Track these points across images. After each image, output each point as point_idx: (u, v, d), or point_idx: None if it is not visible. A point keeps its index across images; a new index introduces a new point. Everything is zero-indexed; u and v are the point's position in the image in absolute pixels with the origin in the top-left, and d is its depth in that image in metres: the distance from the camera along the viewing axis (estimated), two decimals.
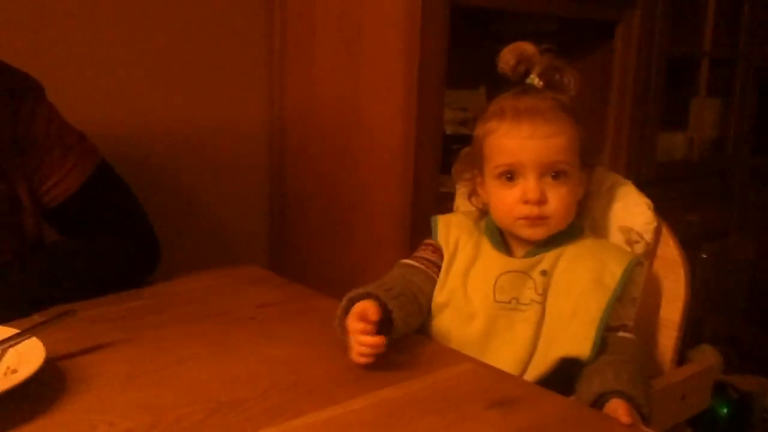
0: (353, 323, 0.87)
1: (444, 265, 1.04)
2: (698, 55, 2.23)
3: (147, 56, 1.60)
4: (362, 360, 0.86)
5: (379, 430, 0.73)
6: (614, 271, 0.97)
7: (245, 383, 0.83)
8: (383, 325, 0.89)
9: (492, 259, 1.02)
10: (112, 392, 0.80)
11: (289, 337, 0.99)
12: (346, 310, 0.91)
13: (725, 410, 1.92)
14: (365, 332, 0.85)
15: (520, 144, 0.97)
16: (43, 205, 1.12)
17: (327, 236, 1.71)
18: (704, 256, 2.22)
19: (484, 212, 1.07)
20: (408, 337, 0.99)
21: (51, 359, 0.83)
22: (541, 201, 0.96)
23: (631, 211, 1.08)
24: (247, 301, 1.13)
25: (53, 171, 1.10)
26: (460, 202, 1.19)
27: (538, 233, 0.99)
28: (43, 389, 0.78)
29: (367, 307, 0.88)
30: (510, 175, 0.98)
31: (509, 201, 0.99)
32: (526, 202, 0.97)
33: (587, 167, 1.03)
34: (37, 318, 0.95)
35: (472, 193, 1.09)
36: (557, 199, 0.97)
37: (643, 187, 1.12)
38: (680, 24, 2.10)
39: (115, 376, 0.83)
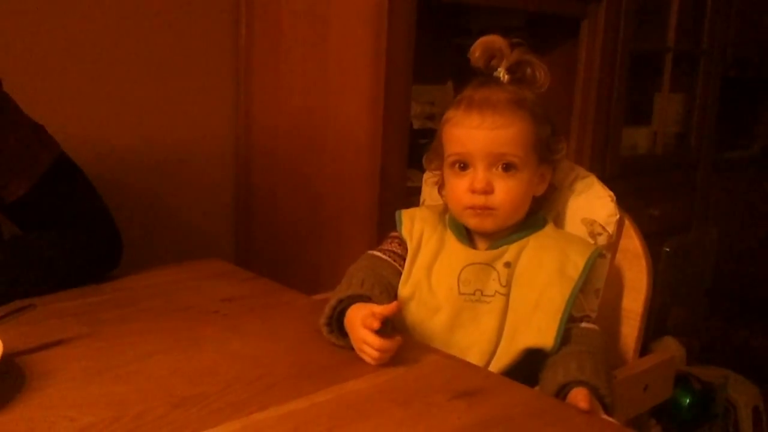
0: (363, 332, 0.86)
1: (408, 258, 1.04)
2: (662, 51, 2.26)
3: (111, 46, 1.58)
4: (378, 362, 0.87)
5: (344, 423, 0.73)
6: (577, 263, 0.98)
7: (208, 377, 0.82)
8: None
9: (456, 252, 1.02)
10: (73, 388, 0.79)
11: (253, 331, 0.98)
12: (336, 312, 0.92)
13: (687, 401, 1.95)
14: (378, 339, 0.85)
15: (468, 134, 0.98)
16: (1, 199, 1.09)
17: (293, 231, 1.71)
18: (667, 249, 2.26)
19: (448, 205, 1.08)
20: None
21: (9, 354, 0.81)
22: (487, 191, 0.97)
23: (594, 203, 1.09)
24: (212, 296, 1.12)
25: (10, 164, 1.08)
26: (427, 193, 1.19)
27: (484, 224, 1.00)
28: (0, 385, 0.77)
29: (375, 313, 0.86)
30: (462, 165, 0.99)
31: (459, 190, 1.00)
32: (473, 192, 0.98)
33: (547, 163, 1.03)
34: None
35: (440, 184, 1.09)
36: (504, 191, 0.97)
37: (608, 181, 1.13)
38: (644, 20, 2.12)
39: (76, 372, 0.82)
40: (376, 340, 0.85)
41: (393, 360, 0.88)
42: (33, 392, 0.77)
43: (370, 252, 1.07)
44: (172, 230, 1.73)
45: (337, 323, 0.93)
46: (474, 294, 0.99)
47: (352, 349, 0.90)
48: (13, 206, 1.11)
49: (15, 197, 1.09)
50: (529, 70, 1.01)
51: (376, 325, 0.85)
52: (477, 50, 1.01)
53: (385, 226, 1.30)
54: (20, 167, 1.09)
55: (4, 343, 0.80)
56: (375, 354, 0.86)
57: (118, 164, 1.61)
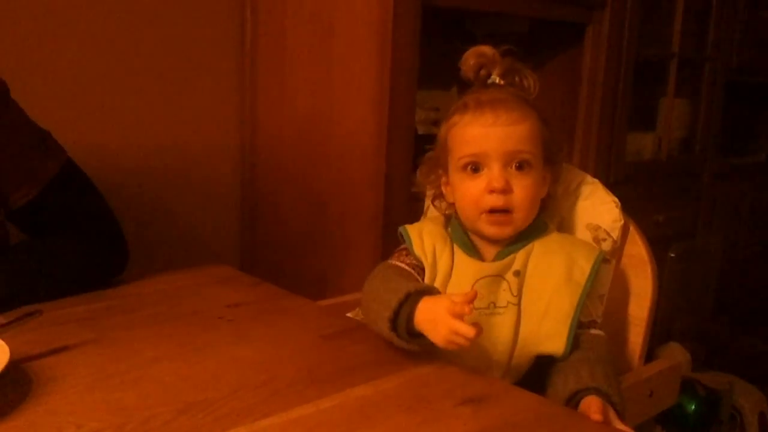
0: (456, 323, 0.81)
1: (427, 274, 1.02)
2: (667, 57, 2.26)
3: (117, 52, 1.58)
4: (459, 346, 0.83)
5: (349, 429, 0.73)
6: (583, 267, 0.97)
7: (214, 383, 0.82)
8: None
9: (466, 266, 1.01)
10: (79, 393, 0.79)
11: (259, 336, 0.98)
12: (403, 305, 0.87)
13: (693, 407, 1.95)
14: (472, 327, 0.82)
15: (483, 132, 0.96)
16: (8, 205, 1.10)
17: (298, 236, 1.71)
18: (672, 254, 2.25)
19: (449, 217, 1.06)
20: (379, 336, 0.99)
21: (15, 360, 0.81)
22: (506, 190, 0.95)
23: (599, 209, 1.08)
24: (217, 301, 1.12)
25: (17, 171, 1.08)
26: (430, 203, 1.19)
27: (504, 232, 0.98)
28: (7, 391, 0.77)
29: (459, 301, 0.83)
30: (475, 166, 0.97)
31: (474, 192, 0.97)
32: (492, 192, 0.96)
33: (550, 165, 1.02)
34: (1, 319, 0.94)
35: (436, 196, 1.08)
36: (522, 190, 0.96)
37: (612, 186, 1.13)
38: (649, 26, 2.13)
39: (82, 378, 0.82)
40: (471, 330, 0.81)
41: (398, 366, 0.88)
42: (39, 398, 0.77)
43: (390, 262, 1.04)
44: (178, 236, 1.74)
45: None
46: (488, 307, 0.97)
47: (413, 347, 0.87)
48: (20, 212, 1.11)
49: (22, 203, 1.10)
50: (517, 78, 1.01)
51: (468, 310, 0.81)
52: (470, 59, 1.01)
53: (390, 232, 1.30)
54: (27, 173, 1.09)
55: (10, 349, 0.80)
56: (466, 343, 0.82)
57: (123, 170, 1.61)
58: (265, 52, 1.73)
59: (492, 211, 0.97)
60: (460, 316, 0.81)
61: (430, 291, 0.89)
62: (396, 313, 0.87)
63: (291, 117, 1.69)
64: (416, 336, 0.87)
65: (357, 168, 1.54)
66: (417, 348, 0.88)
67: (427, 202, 1.21)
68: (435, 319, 0.84)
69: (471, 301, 0.82)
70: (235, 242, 1.87)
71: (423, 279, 1.01)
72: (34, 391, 0.78)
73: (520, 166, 0.96)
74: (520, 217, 0.98)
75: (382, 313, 0.88)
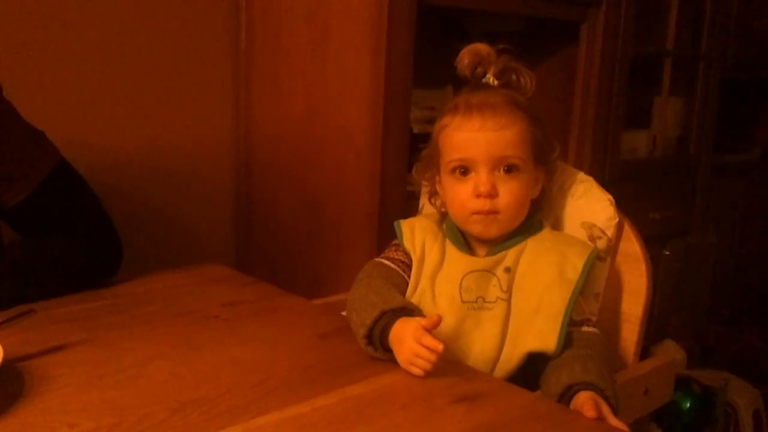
0: (417, 347, 0.85)
1: (414, 269, 1.03)
2: (661, 55, 2.26)
3: (112, 51, 1.58)
4: (425, 374, 0.86)
5: (345, 427, 0.73)
6: (576, 265, 0.98)
7: (209, 382, 0.82)
8: None
9: (456, 260, 1.02)
10: (73, 393, 0.79)
11: (254, 335, 0.98)
12: (377, 323, 0.90)
13: (688, 404, 1.95)
14: (432, 353, 0.85)
15: (470, 137, 0.97)
16: (1, 204, 1.10)
17: (294, 235, 1.71)
18: (667, 252, 2.26)
19: (444, 214, 1.07)
20: None
21: (9, 360, 0.82)
22: (492, 194, 0.97)
23: (594, 207, 1.08)
24: (212, 300, 1.12)
25: (10, 170, 1.08)
26: (425, 201, 1.19)
27: (489, 231, 0.99)
28: (0, 391, 0.77)
29: (423, 326, 0.86)
30: (463, 170, 0.99)
31: (462, 196, 0.99)
32: (478, 196, 0.97)
33: (542, 165, 1.03)
34: None
35: (432, 194, 1.09)
36: (508, 193, 0.97)
37: (607, 184, 1.13)
38: (644, 23, 2.13)
39: (76, 377, 0.82)
40: (431, 355, 0.84)
41: (393, 364, 0.88)
42: (33, 398, 0.77)
43: (378, 260, 1.06)
44: (173, 235, 1.73)
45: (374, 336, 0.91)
46: (476, 301, 0.98)
47: (390, 360, 0.89)
48: (13, 212, 1.11)
49: (15, 203, 1.10)
50: (514, 77, 1.02)
51: (426, 339, 0.84)
52: (465, 57, 1.01)
53: (386, 231, 1.30)
54: (20, 173, 1.09)
55: (4, 348, 0.80)
56: (428, 366, 0.85)
57: (118, 170, 1.61)
58: (260, 51, 1.73)
59: (478, 212, 0.98)
60: (420, 341, 0.85)
61: (406, 308, 0.92)
62: (371, 330, 0.90)
63: (286, 116, 1.69)
64: (390, 350, 0.90)
65: (352, 167, 1.54)
66: (383, 357, 0.90)
67: (422, 200, 1.22)
68: (402, 340, 0.87)
69: (433, 327, 0.86)
70: (230, 241, 1.87)
71: (408, 273, 1.03)
72: (27, 390, 0.78)
73: (509, 170, 0.98)
74: (506, 219, 0.99)
75: (359, 330, 0.92)
